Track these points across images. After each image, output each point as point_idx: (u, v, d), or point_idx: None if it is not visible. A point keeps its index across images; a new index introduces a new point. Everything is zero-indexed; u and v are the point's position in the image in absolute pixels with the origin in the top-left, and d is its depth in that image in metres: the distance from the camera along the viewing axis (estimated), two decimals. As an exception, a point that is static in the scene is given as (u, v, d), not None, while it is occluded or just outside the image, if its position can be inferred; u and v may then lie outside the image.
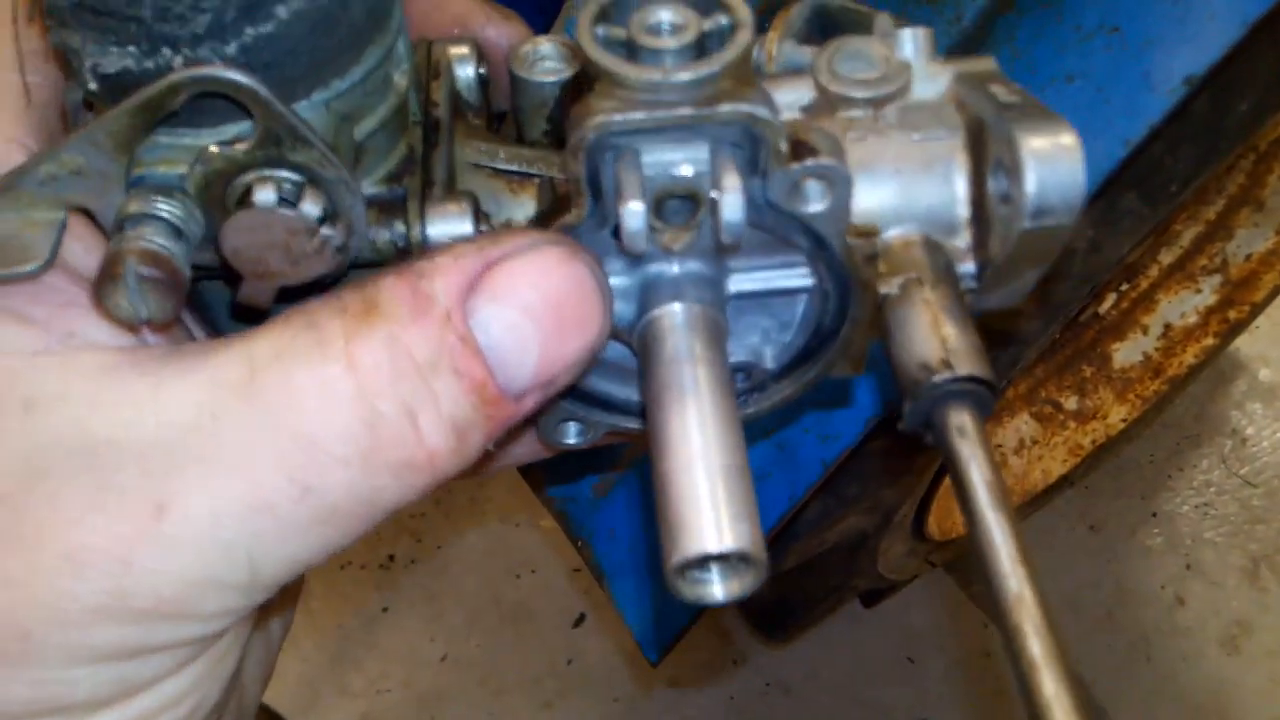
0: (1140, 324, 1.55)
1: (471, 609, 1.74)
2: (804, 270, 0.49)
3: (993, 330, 0.84)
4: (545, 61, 0.52)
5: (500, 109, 0.58)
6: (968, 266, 0.47)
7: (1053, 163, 0.41)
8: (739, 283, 0.49)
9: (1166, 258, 1.54)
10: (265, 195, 0.40)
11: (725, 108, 0.40)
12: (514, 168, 0.50)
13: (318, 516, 0.39)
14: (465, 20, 0.58)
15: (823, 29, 0.52)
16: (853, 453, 0.85)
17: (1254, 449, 1.87)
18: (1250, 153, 1.45)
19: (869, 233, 0.45)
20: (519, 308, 0.40)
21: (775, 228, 0.45)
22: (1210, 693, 1.63)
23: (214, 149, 0.40)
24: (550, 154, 0.51)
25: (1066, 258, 0.86)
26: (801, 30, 0.52)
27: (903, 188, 0.46)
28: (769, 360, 0.52)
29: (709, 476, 0.40)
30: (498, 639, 1.71)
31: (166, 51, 0.38)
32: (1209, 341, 1.52)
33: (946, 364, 0.41)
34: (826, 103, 0.47)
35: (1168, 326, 1.54)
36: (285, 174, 0.41)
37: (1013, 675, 0.35)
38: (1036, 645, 0.35)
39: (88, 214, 0.42)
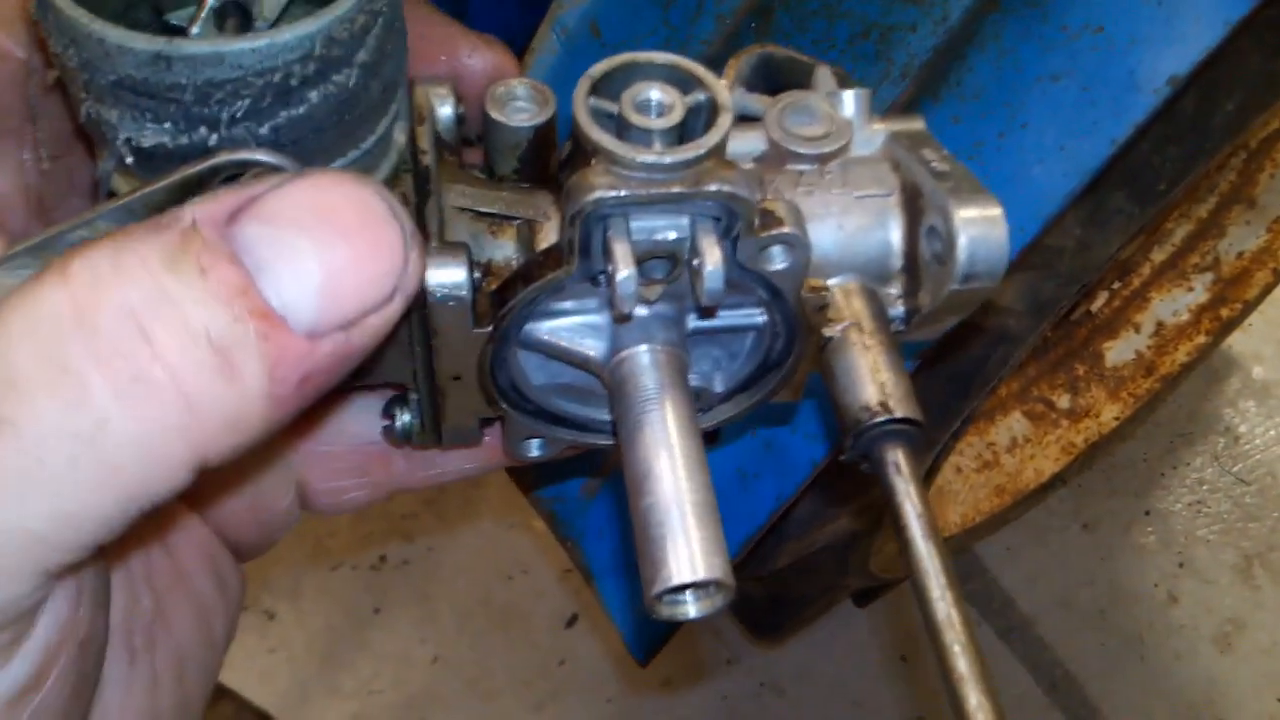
0: (1132, 322, 1.55)
1: (463, 610, 1.73)
2: (756, 311, 0.53)
3: (981, 328, 0.84)
4: (518, 103, 0.56)
5: (472, 137, 0.61)
6: (897, 310, 0.53)
7: (982, 233, 0.47)
8: (698, 321, 0.53)
9: (1158, 256, 1.54)
10: None
11: (712, 187, 0.45)
12: (495, 211, 0.54)
13: (32, 461, 0.33)
14: (450, 47, 0.58)
15: (768, 76, 0.58)
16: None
17: (1247, 447, 1.87)
18: (1241, 150, 1.45)
19: (820, 288, 0.51)
20: (288, 223, 0.36)
21: (739, 281, 0.49)
22: (1203, 690, 1.63)
23: None
24: (525, 195, 0.55)
25: (1054, 256, 0.86)
26: (750, 77, 0.58)
27: (845, 240, 0.51)
28: (718, 385, 0.57)
29: (682, 515, 0.44)
30: (489, 640, 1.70)
31: (203, 130, 0.41)
32: (1201, 339, 1.52)
33: (885, 406, 0.47)
34: (777, 155, 0.52)
35: (1160, 324, 1.53)
36: None
37: (944, 687, 0.42)
38: (963, 662, 0.42)
39: None
